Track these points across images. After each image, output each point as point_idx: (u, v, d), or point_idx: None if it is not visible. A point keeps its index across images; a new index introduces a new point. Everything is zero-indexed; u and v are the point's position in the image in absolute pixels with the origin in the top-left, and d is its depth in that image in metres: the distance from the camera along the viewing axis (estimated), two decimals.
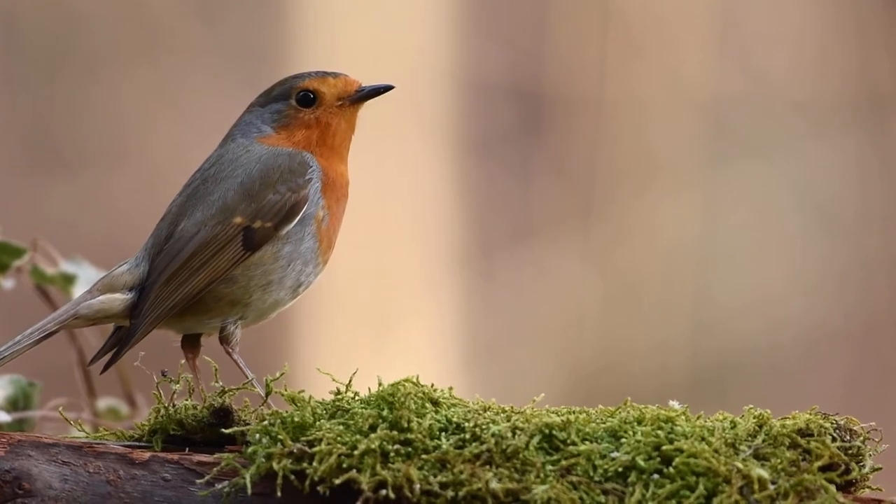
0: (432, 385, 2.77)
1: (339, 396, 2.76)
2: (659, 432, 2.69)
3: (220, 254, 2.94)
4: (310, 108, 3.07)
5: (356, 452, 2.67)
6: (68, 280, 3.50)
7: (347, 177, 3.08)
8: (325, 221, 3.00)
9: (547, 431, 2.70)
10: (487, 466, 2.67)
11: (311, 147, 3.04)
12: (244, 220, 2.95)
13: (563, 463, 2.67)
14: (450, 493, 2.65)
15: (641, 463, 2.66)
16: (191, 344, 3.03)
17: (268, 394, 2.81)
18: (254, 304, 2.98)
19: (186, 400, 2.80)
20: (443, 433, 2.70)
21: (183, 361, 2.97)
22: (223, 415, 2.76)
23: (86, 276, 3.49)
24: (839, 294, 6.84)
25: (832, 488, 2.65)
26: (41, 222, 6.20)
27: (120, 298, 2.97)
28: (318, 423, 2.70)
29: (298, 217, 2.97)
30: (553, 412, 2.74)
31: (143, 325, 2.92)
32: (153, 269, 2.96)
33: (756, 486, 2.63)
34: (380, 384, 2.75)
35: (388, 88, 3.08)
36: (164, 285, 2.93)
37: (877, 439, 2.72)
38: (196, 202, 2.99)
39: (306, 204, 2.97)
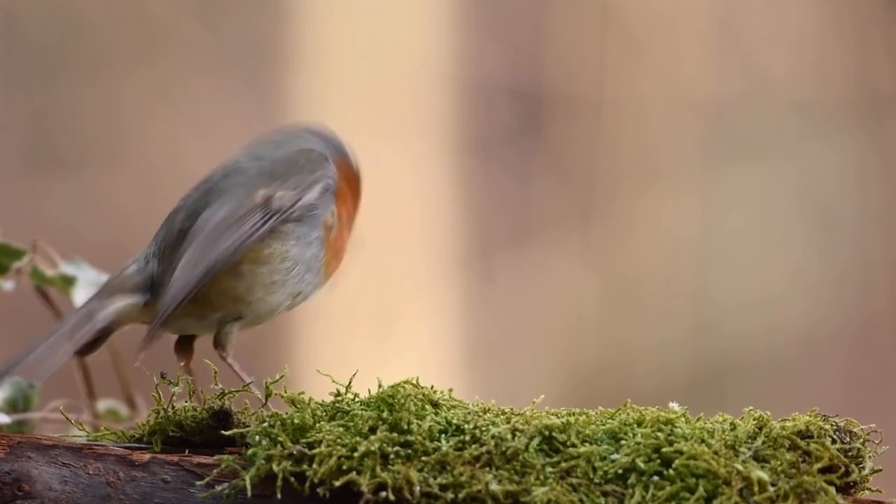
0: (432, 387, 2.77)
1: (339, 398, 2.76)
2: (659, 434, 2.68)
3: (241, 224, 2.93)
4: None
5: (356, 454, 2.66)
6: (68, 282, 3.49)
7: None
8: (334, 230, 3.00)
9: (547, 433, 2.69)
10: (487, 468, 2.66)
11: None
12: (267, 191, 2.96)
13: (563, 465, 2.67)
14: (450, 495, 2.64)
15: (641, 465, 2.66)
16: (184, 349, 3.02)
17: (267, 396, 2.80)
18: (254, 305, 2.97)
19: (186, 402, 2.80)
20: (443, 435, 2.69)
21: (183, 364, 2.97)
22: (223, 417, 2.76)
23: (85, 278, 3.48)
24: (839, 294, 6.84)
25: (832, 490, 2.65)
26: (41, 223, 6.20)
27: (135, 299, 2.96)
28: (317, 424, 2.70)
29: (319, 187, 2.97)
30: (553, 414, 2.74)
31: (172, 301, 2.89)
32: (175, 253, 2.94)
33: (756, 488, 2.63)
34: (380, 386, 2.75)
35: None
36: (189, 261, 2.92)
37: (877, 441, 2.72)
38: (217, 194, 2.98)
39: (324, 179, 2.98)
